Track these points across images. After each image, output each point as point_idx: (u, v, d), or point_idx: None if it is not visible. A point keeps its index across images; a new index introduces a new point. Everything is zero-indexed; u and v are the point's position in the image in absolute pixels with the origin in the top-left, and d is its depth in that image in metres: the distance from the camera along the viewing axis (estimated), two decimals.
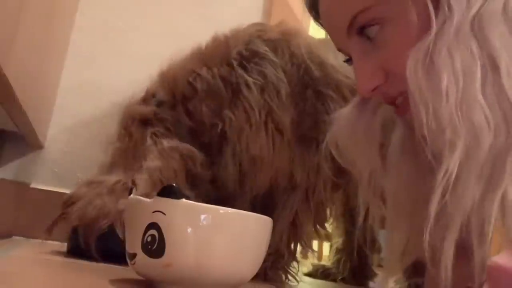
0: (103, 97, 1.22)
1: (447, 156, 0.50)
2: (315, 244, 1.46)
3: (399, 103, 0.58)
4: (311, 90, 0.88)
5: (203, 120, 0.88)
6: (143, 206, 0.52)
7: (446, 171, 0.49)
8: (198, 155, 0.85)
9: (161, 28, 1.29)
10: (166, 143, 0.84)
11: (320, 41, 0.98)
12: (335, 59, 0.90)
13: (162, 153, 0.82)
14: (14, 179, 1.14)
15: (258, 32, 0.92)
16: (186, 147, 0.85)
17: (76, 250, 0.80)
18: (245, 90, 0.86)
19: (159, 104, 0.89)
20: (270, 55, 0.88)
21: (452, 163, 0.49)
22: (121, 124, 0.89)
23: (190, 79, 0.88)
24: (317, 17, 0.64)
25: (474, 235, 0.50)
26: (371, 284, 1.15)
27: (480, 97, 0.49)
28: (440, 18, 0.51)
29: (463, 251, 0.52)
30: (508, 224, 0.49)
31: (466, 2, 0.51)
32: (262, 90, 0.86)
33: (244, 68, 0.87)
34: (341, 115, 0.67)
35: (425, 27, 0.52)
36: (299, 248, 0.92)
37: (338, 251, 1.19)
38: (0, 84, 0.62)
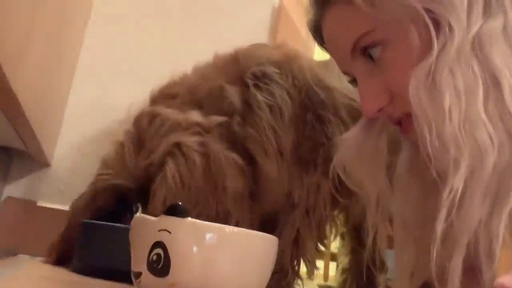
0: (110, 116, 1.22)
1: (451, 175, 0.50)
2: (321, 264, 1.45)
3: (403, 123, 0.58)
4: (311, 113, 0.90)
5: (236, 138, 0.89)
6: (149, 224, 0.52)
7: (451, 189, 0.49)
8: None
9: (167, 48, 1.30)
10: (239, 160, 0.85)
11: (319, 63, 0.99)
12: (334, 80, 0.92)
13: (241, 171, 0.84)
14: (21, 197, 1.14)
15: (266, 54, 0.94)
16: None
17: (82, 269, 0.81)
18: (257, 110, 0.87)
19: (207, 115, 0.89)
20: (277, 77, 0.90)
21: (456, 181, 0.49)
22: (178, 130, 0.86)
23: (226, 95, 0.89)
24: (321, 42, 0.65)
25: (483, 254, 0.50)
26: None
27: (483, 115, 0.49)
28: (441, 39, 0.52)
29: (472, 271, 0.51)
30: None
31: (467, 22, 0.51)
32: (270, 110, 0.88)
33: (258, 88, 0.89)
34: (347, 138, 0.67)
35: (426, 48, 0.52)
36: (303, 267, 0.92)
37: (344, 271, 1.18)
38: (10, 102, 0.63)
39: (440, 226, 0.50)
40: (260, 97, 0.88)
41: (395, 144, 0.65)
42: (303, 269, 0.92)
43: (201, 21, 1.36)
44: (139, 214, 0.55)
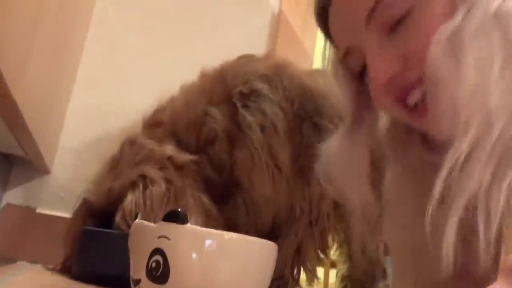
0: (110, 122, 1.23)
1: (459, 137, 0.49)
2: (321, 271, 1.44)
3: (420, 103, 0.56)
4: (307, 124, 0.89)
5: (221, 164, 0.89)
6: (148, 231, 0.52)
7: (456, 150, 0.49)
8: (214, 211, 0.87)
9: (167, 54, 1.31)
10: (205, 200, 0.85)
11: (310, 71, 1.00)
12: (326, 86, 0.92)
13: (204, 212, 0.84)
14: (20, 203, 1.14)
15: (253, 69, 0.93)
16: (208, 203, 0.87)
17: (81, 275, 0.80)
18: (248, 130, 0.87)
19: (184, 147, 0.89)
20: (267, 92, 0.89)
21: (463, 143, 0.48)
22: (149, 162, 0.86)
23: (208, 120, 0.89)
24: (324, 22, 0.63)
25: (480, 220, 0.49)
26: None
27: (498, 82, 0.49)
28: (465, 5, 0.51)
29: (470, 239, 0.51)
30: None
31: None
32: (262, 128, 0.87)
33: (246, 108, 0.89)
34: (330, 145, 0.66)
35: (450, 10, 0.52)
36: (303, 275, 0.91)
37: (343, 278, 1.17)
38: (10, 110, 0.63)
39: (439, 185, 0.49)
40: (249, 117, 0.87)
41: (379, 162, 0.64)
42: (302, 276, 0.92)
43: (201, 28, 1.37)
44: (138, 221, 0.55)
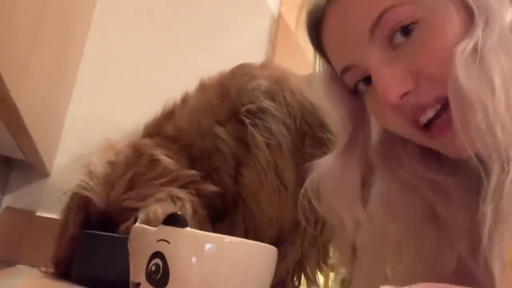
0: (109, 126, 1.23)
1: (496, 161, 0.47)
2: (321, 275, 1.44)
3: (438, 121, 0.52)
4: (309, 137, 0.89)
5: (225, 187, 0.89)
6: (148, 234, 0.52)
7: (498, 177, 0.46)
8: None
9: (167, 61, 1.31)
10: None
11: (308, 79, 0.99)
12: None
13: None
14: (20, 207, 1.14)
15: (257, 85, 0.93)
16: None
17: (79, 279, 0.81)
18: (256, 149, 0.87)
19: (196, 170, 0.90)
20: (273, 109, 0.90)
21: (507, 164, 0.46)
22: (176, 183, 0.87)
23: (219, 145, 0.90)
24: (317, 42, 0.61)
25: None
26: None
27: None
28: (481, 19, 0.49)
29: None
30: None
31: (508, 4, 0.49)
32: (268, 147, 0.88)
33: (255, 126, 0.89)
34: (323, 164, 0.64)
35: (464, 27, 0.49)
36: (303, 280, 0.92)
37: (343, 281, 1.17)
38: (11, 114, 0.63)
39: (488, 209, 0.47)
40: (258, 137, 0.88)
41: (369, 177, 0.63)
42: (303, 281, 0.92)
43: (201, 33, 1.37)
44: (138, 224, 0.55)
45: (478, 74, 0.47)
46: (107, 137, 1.22)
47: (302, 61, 1.50)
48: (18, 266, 1.07)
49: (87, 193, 0.88)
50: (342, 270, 1.17)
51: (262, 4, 1.44)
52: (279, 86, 0.93)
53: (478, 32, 0.48)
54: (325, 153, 0.86)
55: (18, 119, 0.66)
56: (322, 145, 0.89)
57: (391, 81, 0.51)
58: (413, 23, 0.50)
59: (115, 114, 1.24)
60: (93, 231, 0.89)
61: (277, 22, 1.45)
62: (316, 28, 0.59)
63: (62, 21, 0.87)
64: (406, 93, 0.51)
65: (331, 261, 1.17)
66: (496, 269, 0.48)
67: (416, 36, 0.50)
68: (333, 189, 0.62)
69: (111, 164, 0.90)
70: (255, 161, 0.87)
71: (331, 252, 0.96)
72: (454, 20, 0.49)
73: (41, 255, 1.08)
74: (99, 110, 1.24)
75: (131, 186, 0.87)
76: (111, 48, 1.28)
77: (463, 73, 0.47)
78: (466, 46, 0.48)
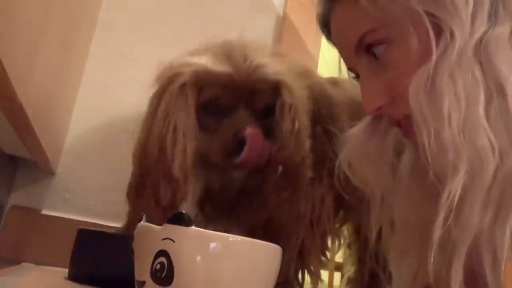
0: (115, 125, 1.23)
1: (450, 179, 0.49)
2: (325, 274, 1.44)
3: (403, 124, 0.58)
4: (320, 127, 0.89)
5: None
6: (153, 233, 0.52)
7: (449, 194, 0.49)
8: None
9: (173, 58, 1.31)
10: None
11: (331, 80, 1.00)
12: (340, 95, 0.94)
13: None
14: (25, 205, 1.15)
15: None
16: None
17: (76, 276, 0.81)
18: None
19: None
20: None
21: (454, 186, 0.49)
22: None
23: None
24: (329, 36, 0.66)
25: (487, 264, 0.49)
26: None
27: (483, 121, 0.49)
28: (442, 43, 0.51)
29: (473, 280, 0.51)
30: None
31: (470, 27, 0.51)
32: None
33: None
34: (353, 134, 0.68)
35: (428, 51, 0.52)
36: (307, 278, 0.91)
37: (349, 280, 1.17)
38: (16, 112, 0.63)
39: (437, 232, 0.49)
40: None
41: (400, 145, 0.65)
42: (307, 279, 0.92)
43: (206, 31, 1.36)
44: (142, 223, 0.55)
45: (428, 100, 0.51)
46: (113, 135, 1.22)
47: (307, 61, 1.50)
48: (24, 264, 1.07)
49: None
50: (350, 269, 1.17)
51: (267, 3, 1.44)
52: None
53: (434, 57, 0.51)
54: (331, 146, 0.88)
55: (24, 118, 0.66)
56: (330, 137, 0.89)
57: (370, 94, 0.58)
58: (387, 44, 0.55)
59: (122, 112, 1.24)
60: (92, 229, 0.89)
61: (282, 22, 1.44)
62: (326, 27, 0.65)
63: (68, 18, 0.87)
64: (380, 107, 0.58)
65: (338, 259, 1.17)
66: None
67: (388, 55, 0.56)
68: (363, 158, 0.65)
69: None
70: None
71: (330, 244, 0.97)
72: (422, 43, 0.52)
73: (46, 254, 1.09)
74: (105, 108, 1.24)
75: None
76: (117, 45, 1.28)
77: (415, 99, 0.52)
78: (422, 71, 0.52)
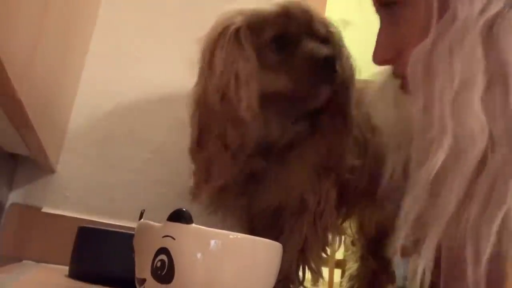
0: (116, 122, 1.23)
1: (432, 154, 0.48)
2: (326, 271, 1.44)
3: (404, 81, 0.58)
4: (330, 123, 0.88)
5: None
6: (153, 230, 0.52)
7: (429, 166, 0.48)
8: None
9: (174, 55, 1.31)
10: None
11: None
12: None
13: None
14: (25, 203, 1.15)
15: None
16: None
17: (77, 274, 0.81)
18: None
19: None
20: None
21: (435, 159, 0.48)
22: None
23: None
24: None
25: (469, 253, 0.48)
26: None
27: (477, 104, 0.47)
28: (448, 17, 0.49)
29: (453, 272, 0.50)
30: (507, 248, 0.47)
31: (481, 3, 0.48)
32: None
33: None
34: (379, 77, 0.71)
35: (428, 24, 0.52)
36: (308, 274, 0.91)
37: (352, 277, 1.17)
38: (15, 109, 0.63)
39: (414, 207, 0.50)
40: None
41: None
42: (307, 276, 0.92)
43: (206, 29, 1.36)
44: (143, 220, 0.55)
45: (424, 73, 0.51)
46: (114, 133, 1.22)
47: None
48: (24, 261, 1.07)
49: None
50: (353, 265, 1.17)
51: (266, 3, 1.44)
52: None
53: (435, 30, 0.50)
54: (342, 143, 0.88)
55: (23, 115, 0.66)
56: (339, 133, 0.89)
57: (380, 46, 0.60)
58: (400, 2, 0.56)
59: (122, 109, 1.24)
60: (93, 226, 0.89)
61: None
62: None
63: (68, 15, 0.86)
64: (386, 60, 0.60)
65: (339, 257, 1.17)
66: None
67: (401, 14, 0.56)
68: (388, 104, 0.68)
69: None
70: None
71: (331, 241, 0.97)
72: (424, 13, 0.52)
73: (46, 251, 1.09)
74: (105, 105, 1.24)
75: None
76: (117, 42, 1.28)
77: (412, 70, 0.52)
78: (423, 44, 0.51)
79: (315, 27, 0.82)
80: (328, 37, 0.84)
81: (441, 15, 0.51)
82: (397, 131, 0.66)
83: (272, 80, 0.80)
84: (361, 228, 1.13)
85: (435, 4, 0.51)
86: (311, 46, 0.80)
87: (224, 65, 0.79)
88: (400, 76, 0.59)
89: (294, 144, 0.86)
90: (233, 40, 0.80)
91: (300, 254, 0.88)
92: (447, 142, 0.48)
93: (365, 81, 0.90)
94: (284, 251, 0.56)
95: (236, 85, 0.77)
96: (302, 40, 0.81)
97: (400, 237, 0.50)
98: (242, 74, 0.78)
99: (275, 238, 0.57)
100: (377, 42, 0.60)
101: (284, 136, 0.85)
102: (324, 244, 0.93)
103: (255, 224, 0.93)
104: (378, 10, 0.61)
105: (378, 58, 0.60)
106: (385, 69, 0.67)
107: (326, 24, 0.85)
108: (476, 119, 0.47)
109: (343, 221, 1.03)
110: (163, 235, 0.50)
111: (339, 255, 1.42)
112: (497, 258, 0.48)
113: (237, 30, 0.80)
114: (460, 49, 0.48)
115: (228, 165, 0.79)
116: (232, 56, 0.79)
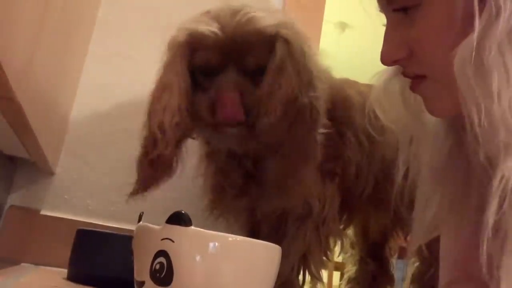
0: (115, 124, 1.23)
1: (502, 160, 0.46)
2: (325, 273, 1.44)
3: (413, 81, 0.58)
4: (334, 128, 0.87)
5: None
6: (152, 233, 0.52)
7: (502, 177, 0.45)
8: None
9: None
10: None
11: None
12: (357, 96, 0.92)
13: None
14: (24, 205, 1.14)
15: None
16: None
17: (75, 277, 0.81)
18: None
19: None
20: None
21: (507, 167, 0.45)
22: None
23: None
24: None
25: None
26: None
27: None
28: (487, 13, 0.48)
29: None
30: None
31: None
32: None
33: None
34: (382, 76, 0.68)
35: (468, 20, 0.49)
36: (308, 278, 0.91)
37: (350, 280, 1.17)
38: (14, 112, 0.63)
39: (491, 218, 0.46)
40: None
41: None
42: (307, 279, 0.91)
43: None
44: (141, 223, 0.55)
45: (476, 75, 0.48)
46: (113, 135, 1.22)
47: None
48: (23, 264, 1.07)
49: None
50: (352, 268, 1.17)
51: (266, 4, 1.44)
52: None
53: (480, 27, 0.47)
54: (346, 146, 0.88)
55: (22, 118, 0.66)
56: (345, 138, 0.89)
57: (390, 46, 0.57)
58: (416, 3, 0.53)
59: (121, 112, 1.24)
60: (92, 229, 0.89)
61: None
62: None
63: (67, 17, 0.86)
64: (397, 60, 0.57)
65: (338, 259, 1.17)
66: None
67: (421, 13, 0.53)
68: (396, 102, 0.65)
69: None
70: None
71: (332, 245, 0.96)
72: (460, 12, 0.49)
73: (45, 254, 1.08)
74: (104, 108, 1.24)
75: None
76: (116, 44, 1.28)
77: (461, 73, 0.49)
78: (467, 44, 0.48)
79: (245, 57, 0.77)
80: (264, 62, 0.77)
81: (480, 10, 0.48)
82: (408, 126, 0.65)
83: (196, 100, 0.80)
84: (364, 232, 1.13)
85: (460, 4, 0.49)
86: (221, 82, 0.77)
87: (159, 77, 0.83)
88: (411, 76, 0.58)
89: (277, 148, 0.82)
90: (172, 56, 0.84)
91: (302, 259, 0.88)
92: None
93: (368, 85, 0.90)
94: (287, 255, 0.56)
95: (158, 96, 0.81)
96: (225, 70, 0.78)
97: (416, 240, 0.48)
98: (167, 86, 0.81)
99: (279, 243, 0.57)
100: (385, 41, 0.58)
101: (249, 147, 0.83)
102: (326, 249, 0.92)
103: (261, 229, 0.92)
104: (387, 8, 0.58)
105: (387, 57, 0.57)
106: (385, 69, 0.66)
107: (270, 37, 0.77)
108: None
109: (346, 227, 1.03)
110: (162, 237, 0.50)
111: (338, 257, 1.42)
112: None
113: (178, 47, 0.84)
114: (509, 44, 0.47)
115: (146, 172, 0.84)
116: (166, 70, 0.83)
